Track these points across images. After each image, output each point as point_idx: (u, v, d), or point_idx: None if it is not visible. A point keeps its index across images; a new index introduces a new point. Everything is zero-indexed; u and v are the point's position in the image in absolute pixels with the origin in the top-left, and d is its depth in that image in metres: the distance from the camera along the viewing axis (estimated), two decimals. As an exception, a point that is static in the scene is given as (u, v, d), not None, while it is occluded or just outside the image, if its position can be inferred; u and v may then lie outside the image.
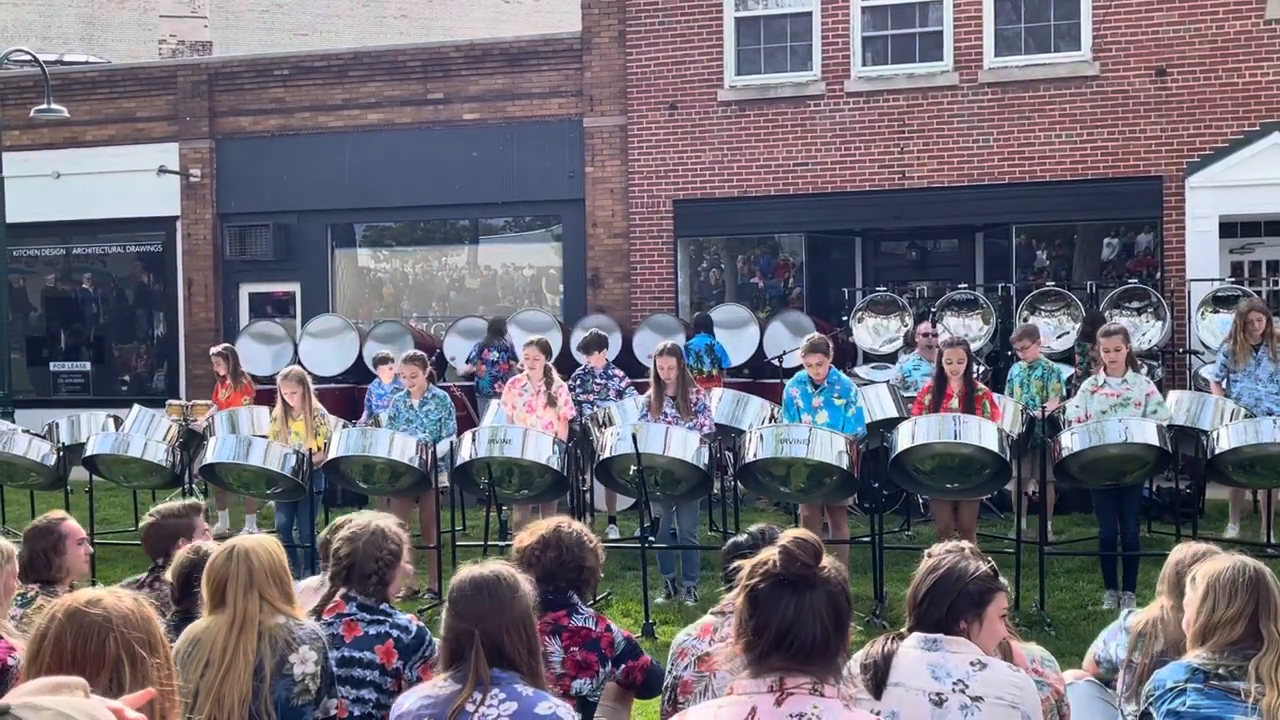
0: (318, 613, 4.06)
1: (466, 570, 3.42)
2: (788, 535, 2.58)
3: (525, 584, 3.42)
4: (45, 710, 1.82)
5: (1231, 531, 9.57)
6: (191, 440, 10.12)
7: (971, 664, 3.28)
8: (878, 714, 3.20)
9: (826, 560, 2.55)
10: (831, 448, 7.91)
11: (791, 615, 2.46)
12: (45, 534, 4.82)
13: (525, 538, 4.18)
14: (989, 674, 3.27)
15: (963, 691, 3.21)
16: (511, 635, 3.28)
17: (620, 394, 10.36)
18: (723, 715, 2.47)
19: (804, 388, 8.63)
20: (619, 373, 10.71)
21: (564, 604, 4.08)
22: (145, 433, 10.73)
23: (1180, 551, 4.15)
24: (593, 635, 4.08)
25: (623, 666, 4.15)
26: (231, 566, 3.69)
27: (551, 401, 9.34)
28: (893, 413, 9.63)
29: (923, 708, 3.22)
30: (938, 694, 3.22)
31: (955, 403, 8.32)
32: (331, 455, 8.79)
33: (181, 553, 4.48)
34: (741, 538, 4.29)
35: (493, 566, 3.43)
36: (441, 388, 10.04)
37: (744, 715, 2.44)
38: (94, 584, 4.43)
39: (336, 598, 4.12)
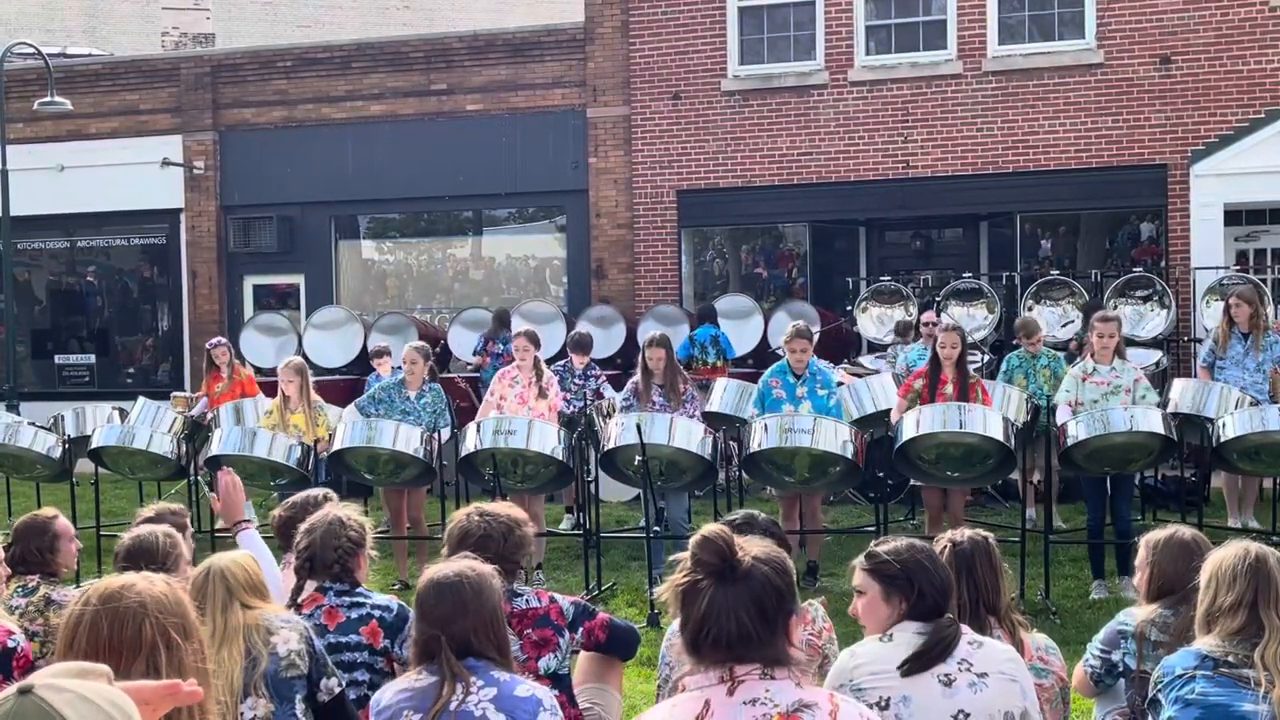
0: (294, 605, 4.08)
1: (433, 570, 3.40)
2: (699, 532, 2.57)
3: (490, 579, 3.38)
4: (67, 693, 1.83)
5: (1234, 522, 9.55)
6: (197, 432, 10.12)
7: (970, 643, 3.37)
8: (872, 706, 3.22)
9: (754, 551, 2.53)
10: (836, 437, 7.91)
11: (705, 609, 2.46)
12: (40, 532, 4.83)
13: (453, 543, 4.05)
14: (988, 650, 3.38)
15: (969, 670, 3.30)
16: (479, 636, 3.28)
17: (598, 393, 10.40)
18: (677, 713, 2.46)
19: (785, 377, 8.63)
20: (596, 372, 10.77)
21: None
22: (150, 425, 10.75)
23: (1151, 534, 4.21)
24: (540, 612, 4.04)
25: (580, 629, 4.12)
26: (209, 587, 3.72)
27: (541, 394, 9.37)
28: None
29: (933, 690, 3.28)
30: (946, 675, 3.29)
31: (950, 389, 8.30)
32: (336, 446, 8.79)
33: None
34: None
35: (456, 566, 3.40)
36: (445, 379, 10.05)
37: (698, 710, 2.43)
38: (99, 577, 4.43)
39: (312, 590, 4.15)
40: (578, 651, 4.25)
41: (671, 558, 2.67)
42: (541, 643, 3.99)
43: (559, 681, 3.95)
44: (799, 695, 2.43)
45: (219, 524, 6.61)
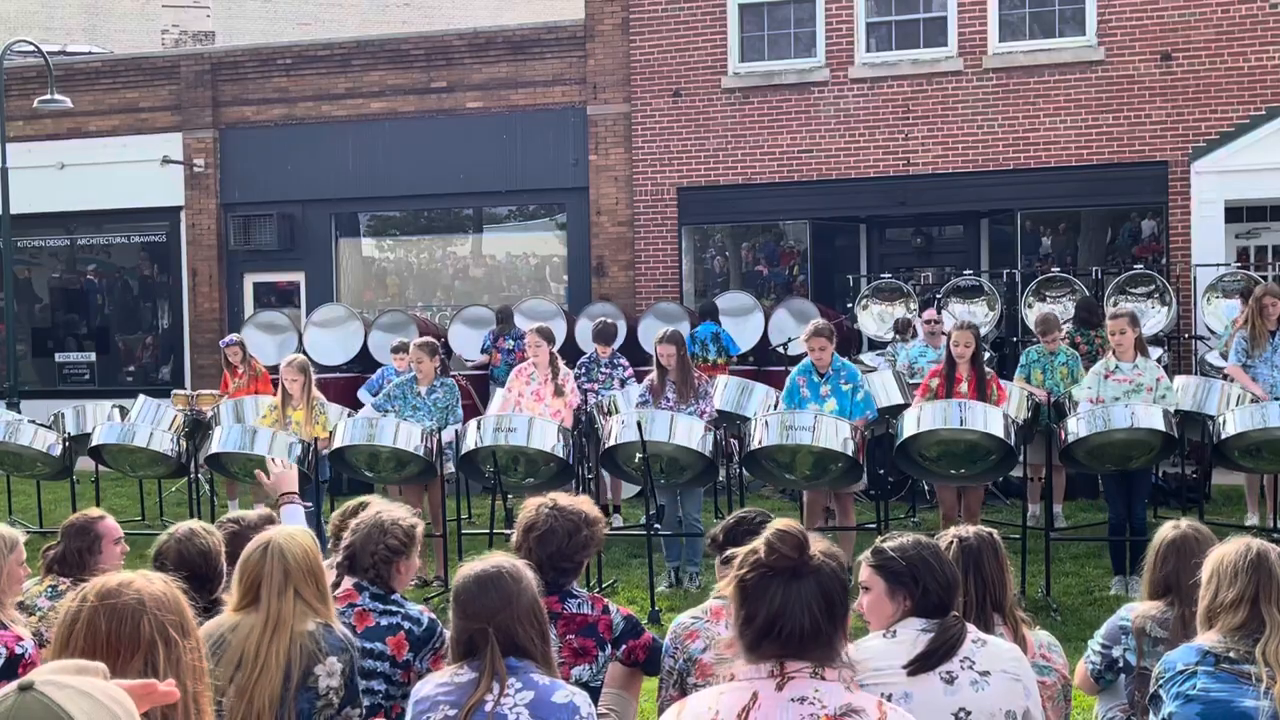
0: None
1: (468, 568, 3.41)
2: (772, 526, 2.58)
3: (525, 570, 3.42)
4: (68, 688, 1.83)
5: (1252, 519, 9.47)
6: (197, 430, 10.12)
7: (974, 641, 3.35)
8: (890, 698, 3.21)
9: (820, 548, 2.54)
10: (837, 435, 7.90)
11: (779, 604, 2.46)
12: (82, 533, 4.73)
13: (519, 532, 4.09)
14: (992, 649, 3.36)
15: (971, 668, 3.28)
16: (524, 625, 3.30)
17: (624, 384, 10.42)
18: (725, 701, 2.47)
19: (809, 375, 8.62)
20: (624, 362, 10.78)
21: (556, 590, 3.99)
22: (151, 423, 10.75)
23: (1162, 531, 4.20)
24: (589, 620, 4.02)
25: (623, 647, 4.10)
26: (266, 566, 3.57)
27: (558, 390, 9.36)
28: (898, 399, 9.62)
29: (935, 687, 3.27)
30: (948, 672, 3.28)
31: (965, 387, 8.29)
32: (336, 444, 8.78)
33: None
34: (718, 532, 4.23)
35: (494, 560, 3.43)
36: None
37: (746, 701, 2.44)
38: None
39: (349, 586, 4.10)
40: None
41: (729, 552, 2.67)
42: (581, 651, 3.97)
43: (587, 692, 3.94)
44: (848, 699, 2.44)
45: (221, 518, 6.59)
